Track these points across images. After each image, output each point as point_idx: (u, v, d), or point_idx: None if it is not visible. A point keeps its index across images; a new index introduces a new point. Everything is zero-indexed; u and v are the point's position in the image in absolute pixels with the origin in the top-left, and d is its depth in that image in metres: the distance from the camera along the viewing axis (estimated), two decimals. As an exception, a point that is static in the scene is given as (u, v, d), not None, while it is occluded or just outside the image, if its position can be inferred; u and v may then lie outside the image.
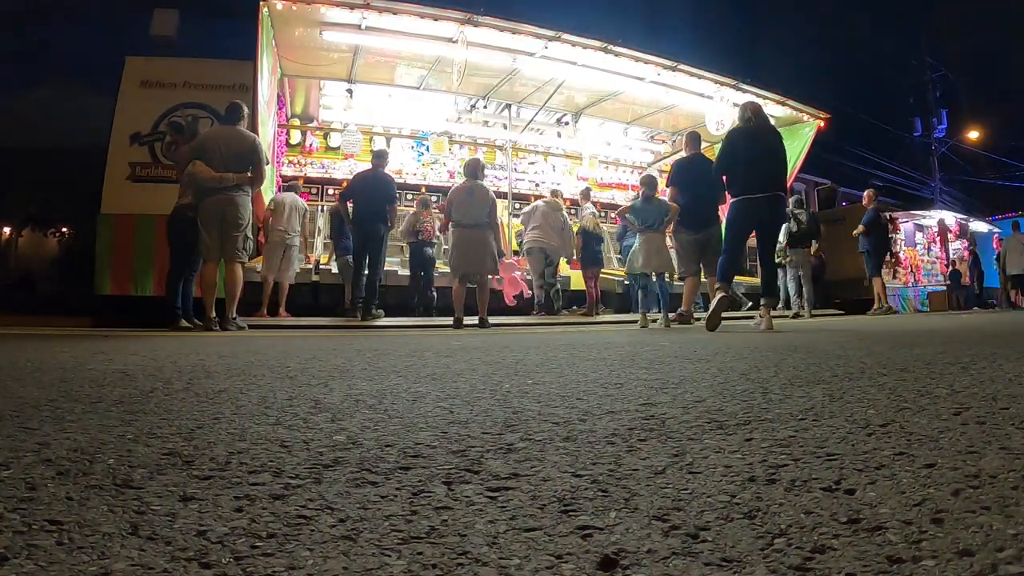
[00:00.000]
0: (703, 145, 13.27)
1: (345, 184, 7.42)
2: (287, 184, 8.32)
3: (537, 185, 12.26)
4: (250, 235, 4.81)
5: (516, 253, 10.30)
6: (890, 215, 11.71)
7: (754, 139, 4.56)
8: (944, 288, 13.20)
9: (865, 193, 8.98)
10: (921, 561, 0.49)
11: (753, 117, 4.67)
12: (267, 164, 5.07)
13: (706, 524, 0.59)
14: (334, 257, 7.33)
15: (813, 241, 8.18)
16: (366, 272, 6.06)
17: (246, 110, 4.99)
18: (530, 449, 0.90)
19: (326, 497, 0.69)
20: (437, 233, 7.33)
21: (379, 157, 6.39)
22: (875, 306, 8.54)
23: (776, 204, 4.53)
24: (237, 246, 4.65)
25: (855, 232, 8.63)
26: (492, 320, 5.81)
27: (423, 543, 0.56)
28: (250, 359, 2.29)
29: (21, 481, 0.73)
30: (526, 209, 7.92)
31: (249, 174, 4.72)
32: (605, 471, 0.78)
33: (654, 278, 5.78)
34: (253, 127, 5.92)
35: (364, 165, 11.29)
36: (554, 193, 8.06)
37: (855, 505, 0.63)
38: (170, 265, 4.89)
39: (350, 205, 6.12)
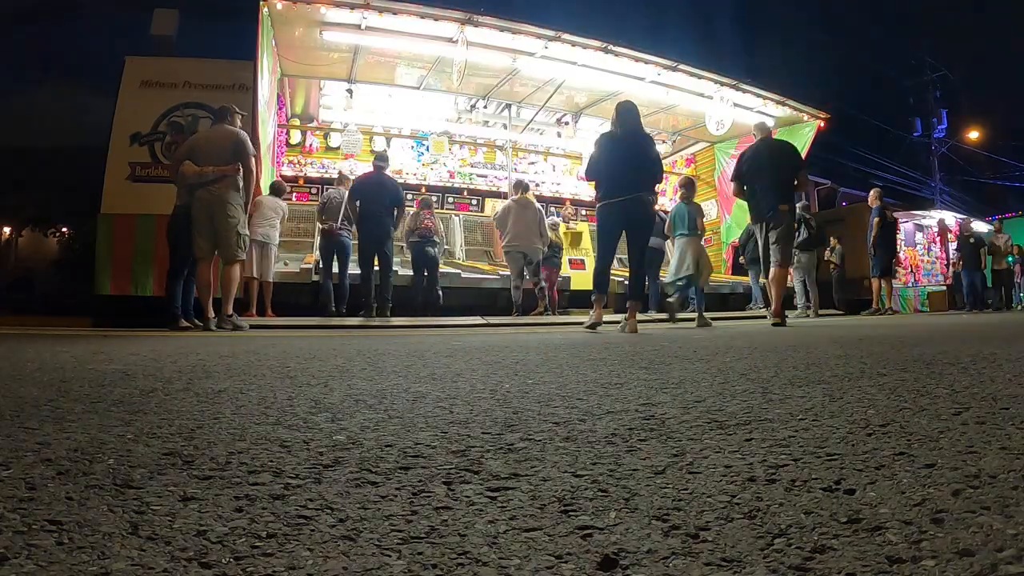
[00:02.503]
0: (702, 145, 13.24)
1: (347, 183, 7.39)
2: (272, 184, 8.28)
3: (537, 185, 12.26)
4: (243, 231, 4.78)
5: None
6: (891, 215, 11.68)
7: (623, 143, 4.59)
8: (944, 288, 13.20)
9: (871, 193, 8.95)
10: (921, 561, 0.49)
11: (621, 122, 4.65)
12: (252, 155, 4.96)
13: (706, 524, 0.59)
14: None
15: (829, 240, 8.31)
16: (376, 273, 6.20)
17: (234, 111, 4.97)
18: (530, 449, 0.90)
19: (326, 497, 0.69)
20: (442, 233, 7.34)
21: (381, 160, 6.44)
22: (874, 306, 8.56)
23: (640, 205, 4.52)
24: (231, 243, 4.63)
25: (872, 234, 8.52)
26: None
27: (423, 543, 0.56)
28: (250, 359, 2.29)
29: (21, 481, 0.73)
30: (498, 211, 7.60)
31: (240, 169, 4.68)
32: (605, 471, 0.78)
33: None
34: (253, 127, 5.92)
35: (364, 165, 11.32)
36: (519, 186, 7.62)
37: (855, 505, 0.63)
38: (169, 265, 4.90)
39: (357, 204, 6.20)
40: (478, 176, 11.95)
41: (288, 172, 10.26)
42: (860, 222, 8.89)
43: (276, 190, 7.26)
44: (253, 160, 4.82)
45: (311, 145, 10.89)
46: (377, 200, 6.17)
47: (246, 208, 4.88)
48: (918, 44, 22.69)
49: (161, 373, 1.83)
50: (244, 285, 6.19)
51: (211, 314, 4.64)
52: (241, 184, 4.74)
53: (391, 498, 0.68)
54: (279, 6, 6.98)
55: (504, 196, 11.11)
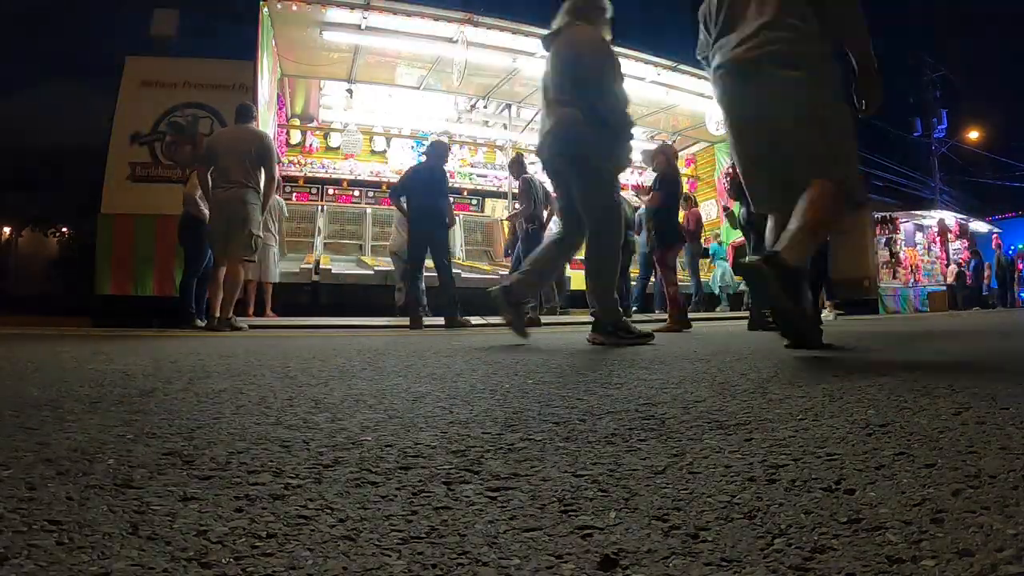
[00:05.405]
0: (703, 145, 13.20)
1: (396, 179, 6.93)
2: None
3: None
4: (257, 232, 4.74)
5: (507, 254, 10.28)
6: (890, 215, 11.68)
7: None
8: (944, 288, 13.19)
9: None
10: (921, 561, 0.49)
11: None
12: (278, 162, 4.95)
13: (706, 524, 0.59)
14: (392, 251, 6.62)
15: None
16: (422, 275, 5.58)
17: (256, 110, 4.99)
18: (530, 449, 0.90)
19: (326, 497, 0.69)
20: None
21: (434, 148, 5.80)
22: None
23: None
24: (243, 243, 4.60)
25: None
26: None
27: (423, 543, 0.56)
28: (250, 359, 2.29)
29: (21, 481, 0.73)
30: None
31: (262, 180, 4.67)
32: (605, 471, 0.78)
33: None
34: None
35: (364, 165, 11.32)
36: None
37: (855, 505, 0.63)
38: (185, 266, 4.97)
39: (403, 202, 5.58)
40: (478, 176, 11.96)
41: (289, 172, 10.27)
42: (854, 221, 8.81)
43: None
44: (277, 167, 4.82)
45: (311, 145, 10.90)
46: (428, 193, 5.50)
47: (263, 210, 4.79)
48: (918, 44, 22.73)
49: (161, 373, 1.83)
50: (243, 286, 6.18)
51: (218, 313, 4.63)
52: (261, 187, 4.70)
53: (391, 498, 0.68)
54: (279, 6, 6.99)
55: (504, 196, 11.10)
